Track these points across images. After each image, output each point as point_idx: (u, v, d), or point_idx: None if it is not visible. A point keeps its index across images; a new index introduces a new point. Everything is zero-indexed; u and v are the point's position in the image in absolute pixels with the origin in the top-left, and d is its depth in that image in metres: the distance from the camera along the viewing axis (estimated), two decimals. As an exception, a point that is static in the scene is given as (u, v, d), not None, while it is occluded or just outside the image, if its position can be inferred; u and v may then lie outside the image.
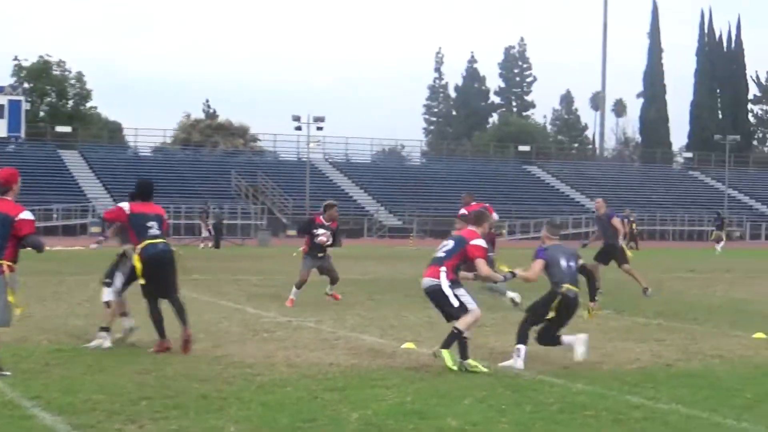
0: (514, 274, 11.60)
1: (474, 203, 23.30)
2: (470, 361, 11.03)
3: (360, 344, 13.16)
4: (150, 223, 12.32)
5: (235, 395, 9.48)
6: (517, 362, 11.30)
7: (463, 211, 23.09)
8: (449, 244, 11.44)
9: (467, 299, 11.23)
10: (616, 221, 22.36)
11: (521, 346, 11.37)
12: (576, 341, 11.54)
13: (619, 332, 14.89)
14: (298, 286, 18.38)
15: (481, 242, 11.37)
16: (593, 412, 9.01)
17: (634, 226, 56.59)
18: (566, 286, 11.50)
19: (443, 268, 11.22)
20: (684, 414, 9.03)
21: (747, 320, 16.75)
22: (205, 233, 48.78)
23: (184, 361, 11.43)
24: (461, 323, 11.01)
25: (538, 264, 11.66)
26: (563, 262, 11.65)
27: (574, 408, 9.16)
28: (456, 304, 11.10)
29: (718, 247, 49.46)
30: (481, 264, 11.26)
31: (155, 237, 12.30)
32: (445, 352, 11.00)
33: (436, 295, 11.24)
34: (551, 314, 11.48)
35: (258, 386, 10.00)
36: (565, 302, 11.49)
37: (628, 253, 22.73)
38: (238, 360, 11.62)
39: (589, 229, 62.31)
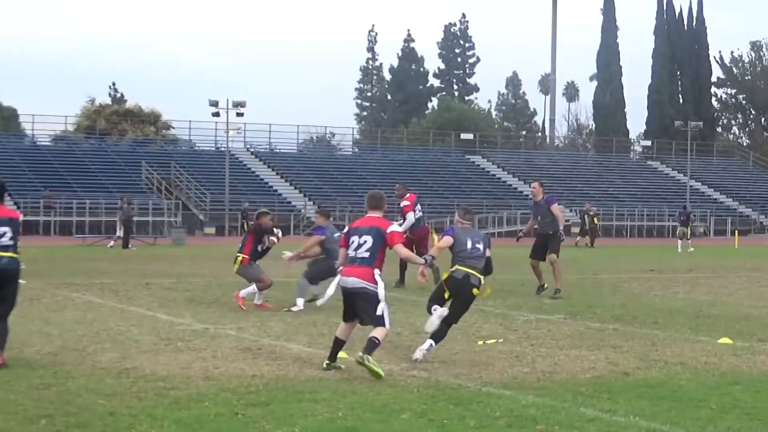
0: (433, 257, 12.91)
1: (409, 194, 23.47)
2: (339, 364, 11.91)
3: (286, 353, 13.14)
4: (1, 230, 11.89)
5: (146, 412, 9.40)
6: (434, 317, 12.48)
7: (405, 202, 23.26)
8: (368, 241, 11.87)
9: (387, 311, 11.79)
10: (555, 208, 22.10)
11: (436, 307, 12.59)
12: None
13: (572, 338, 15.00)
14: (261, 290, 18.89)
15: (396, 227, 12.28)
16: (544, 426, 9.07)
17: (595, 220, 57.36)
18: (456, 266, 12.83)
19: (377, 271, 11.76)
20: (643, 427, 9.11)
21: (711, 324, 16.97)
22: (120, 233, 48.30)
23: (88, 375, 11.32)
24: (381, 334, 11.58)
25: (446, 240, 13.04)
26: (468, 244, 12.97)
27: (523, 422, 9.21)
28: (380, 313, 11.65)
29: (687, 245, 49.47)
30: (401, 248, 12.16)
31: (4, 248, 11.86)
32: (370, 359, 11.26)
33: (365, 298, 11.72)
34: (446, 293, 12.88)
35: (172, 401, 9.93)
36: (450, 282, 12.82)
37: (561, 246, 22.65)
38: (150, 372, 11.53)
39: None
